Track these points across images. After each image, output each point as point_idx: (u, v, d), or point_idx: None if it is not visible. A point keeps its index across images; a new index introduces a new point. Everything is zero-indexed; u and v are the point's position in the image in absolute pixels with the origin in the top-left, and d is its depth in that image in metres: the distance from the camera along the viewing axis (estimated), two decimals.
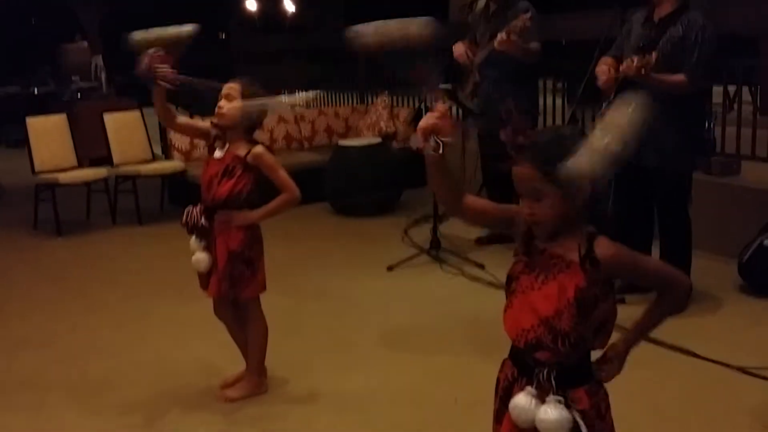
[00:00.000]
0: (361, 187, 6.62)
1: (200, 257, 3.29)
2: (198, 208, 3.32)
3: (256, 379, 3.48)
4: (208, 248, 3.30)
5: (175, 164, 7.09)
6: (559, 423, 1.73)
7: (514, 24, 4.89)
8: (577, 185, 1.67)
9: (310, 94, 3.10)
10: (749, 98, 7.55)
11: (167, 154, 7.43)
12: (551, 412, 1.74)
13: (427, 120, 1.77)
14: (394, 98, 8.41)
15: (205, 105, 3.25)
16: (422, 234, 5.83)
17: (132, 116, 7.19)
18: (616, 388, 1.87)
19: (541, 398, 1.77)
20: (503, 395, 1.87)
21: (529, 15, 4.90)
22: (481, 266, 5.09)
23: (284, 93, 12.22)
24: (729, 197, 5.12)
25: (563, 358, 1.77)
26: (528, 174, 1.74)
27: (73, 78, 12.34)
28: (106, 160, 6.99)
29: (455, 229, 5.64)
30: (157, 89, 3.18)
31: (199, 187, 3.38)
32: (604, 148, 1.61)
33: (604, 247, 1.75)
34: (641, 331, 1.90)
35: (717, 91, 5.80)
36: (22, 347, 4.17)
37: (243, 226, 3.26)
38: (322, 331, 4.24)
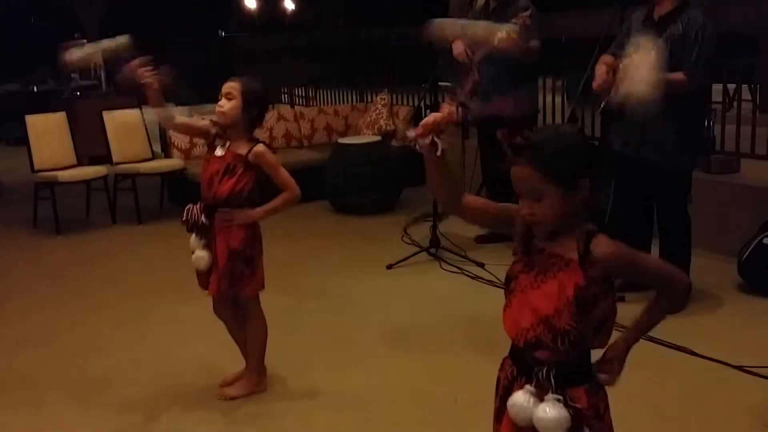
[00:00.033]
0: (360, 186, 6.62)
1: (200, 255, 3.29)
2: (198, 206, 3.32)
3: (256, 377, 3.48)
4: (208, 246, 3.30)
5: (174, 162, 7.09)
6: (558, 422, 1.73)
7: (514, 21, 4.88)
8: (639, 107, 1.66)
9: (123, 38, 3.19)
10: (749, 96, 7.54)
11: (167, 152, 7.43)
12: (550, 410, 1.73)
13: (433, 117, 1.78)
14: (394, 96, 8.41)
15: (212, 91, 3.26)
16: (422, 232, 5.83)
17: (131, 114, 7.18)
18: (615, 388, 1.87)
19: (540, 397, 1.77)
20: (503, 394, 1.87)
21: (528, 13, 4.90)
22: (481, 265, 5.08)
23: (283, 89, 12.28)
24: (728, 195, 5.11)
25: (563, 356, 1.76)
26: (527, 174, 1.73)
27: (72, 76, 12.33)
28: (106, 158, 6.98)
29: (455, 227, 5.64)
30: (149, 93, 3.19)
31: (198, 185, 3.38)
32: (648, 72, 1.60)
33: (603, 245, 1.75)
34: (640, 330, 1.90)
35: (717, 89, 5.80)
36: (22, 345, 4.17)
37: (244, 225, 3.27)
38: (322, 330, 4.24)
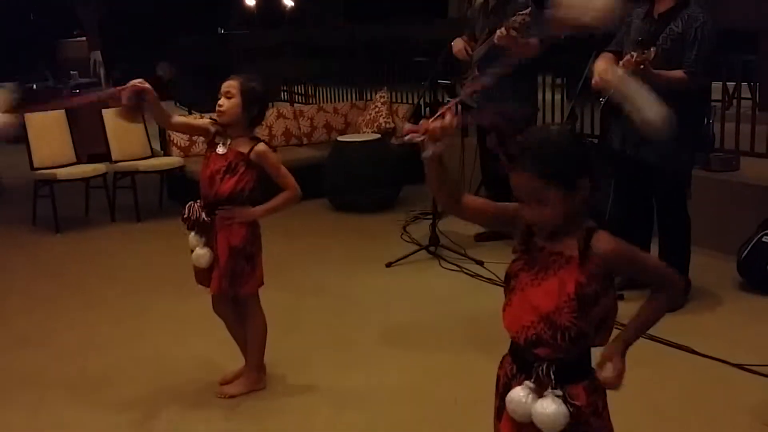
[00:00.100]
0: (360, 184, 6.61)
1: (201, 253, 3.29)
2: (199, 203, 3.32)
3: (255, 375, 3.49)
4: (209, 244, 3.30)
5: (173, 160, 7.08)
6: (556, 417, 1.73)
7: (513, 19, 4.87)
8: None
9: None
10: (748, 94, 7.54)
11: (166, 150, 7.43)
12: (549, 405, 1.73)
13: (434, 123, 1.78)
14: (393, 94, 8.40)
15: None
16: (421, 230, 5.83)
17: None
18: None
19: (539, 392, 1.77)
20: (503, 392, 1.87)
21: (528, 10, 4.89)
22: (480, 263, 5.08)
23: (283, 87, 12.26)
24: (728, 193, 5.11)
25: (563, 353, 1.76)
26: (526, 180, 1.73)
27: (71, 73, 12.33)
28: (105, 156, 6.98)
29: (454, 225, 5.64)
30: (147, 104, 3.21)
31: (198, 183, 3.38)
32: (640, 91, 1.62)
33: (604, 241, 1.75)
34: (638, 329, 1.90)
35: (716, 87, 5.79)
36: (21, 344, 4.17)
37: (245, 222, 3.27)
38: (321, 328, 4.24)
